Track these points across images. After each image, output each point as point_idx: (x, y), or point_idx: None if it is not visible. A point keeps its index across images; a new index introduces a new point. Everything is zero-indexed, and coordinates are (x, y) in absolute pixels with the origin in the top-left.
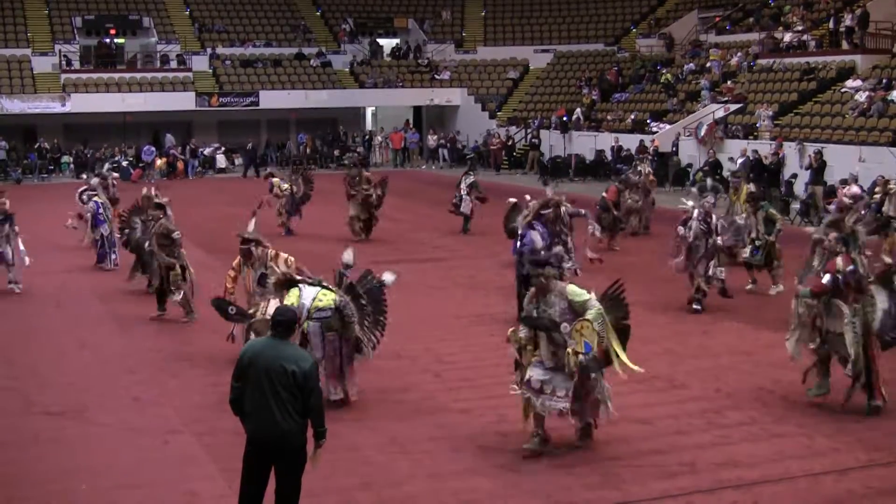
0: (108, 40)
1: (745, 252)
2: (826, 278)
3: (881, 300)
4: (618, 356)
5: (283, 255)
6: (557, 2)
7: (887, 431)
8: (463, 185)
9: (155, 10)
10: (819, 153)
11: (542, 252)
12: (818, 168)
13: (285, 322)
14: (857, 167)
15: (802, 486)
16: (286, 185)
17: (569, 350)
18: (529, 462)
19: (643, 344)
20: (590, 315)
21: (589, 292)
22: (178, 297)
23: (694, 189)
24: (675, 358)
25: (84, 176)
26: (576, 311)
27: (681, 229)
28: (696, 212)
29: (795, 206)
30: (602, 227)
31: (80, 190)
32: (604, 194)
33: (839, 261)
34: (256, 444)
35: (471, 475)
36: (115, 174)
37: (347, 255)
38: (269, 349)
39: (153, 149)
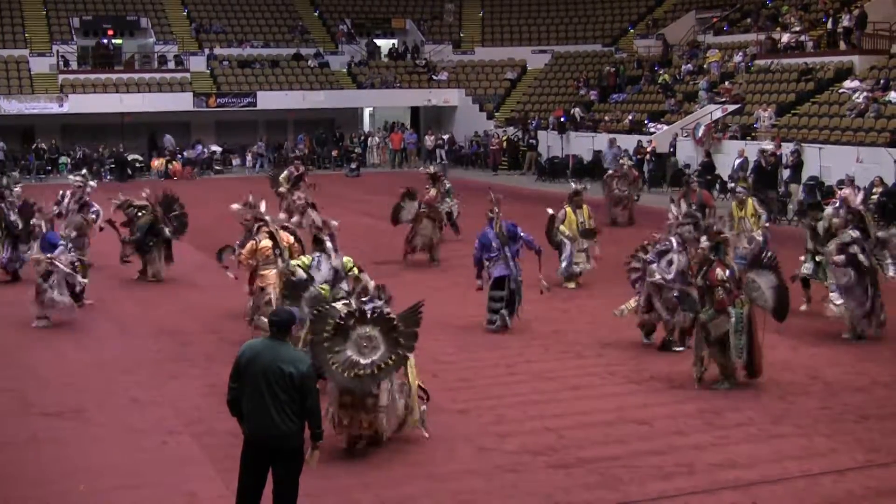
0: (105, 41)
1: (804, 268)
2: (720, 294)
3: (767, 281)
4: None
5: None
6: (555, 3)
7: (885, 432)
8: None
9: (153, 10)
10: (797, 152)
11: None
12: (795, 166)
13: (282, 323)
14: (855, 168)
15: (801, 486)
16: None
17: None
18: (527, 463)
19: (642, 345)
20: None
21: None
22: None
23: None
24: (673, 359)
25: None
26: None
27: None
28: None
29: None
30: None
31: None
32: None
33: (718, 271)
34: (254, 444)
35: (469, 476)
36: (92, 183)
37: None
38: (266, 350)
39: (200, 146)
